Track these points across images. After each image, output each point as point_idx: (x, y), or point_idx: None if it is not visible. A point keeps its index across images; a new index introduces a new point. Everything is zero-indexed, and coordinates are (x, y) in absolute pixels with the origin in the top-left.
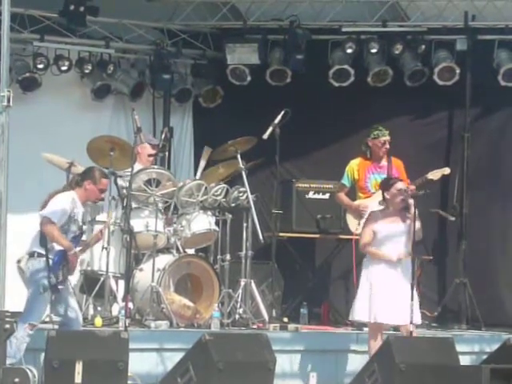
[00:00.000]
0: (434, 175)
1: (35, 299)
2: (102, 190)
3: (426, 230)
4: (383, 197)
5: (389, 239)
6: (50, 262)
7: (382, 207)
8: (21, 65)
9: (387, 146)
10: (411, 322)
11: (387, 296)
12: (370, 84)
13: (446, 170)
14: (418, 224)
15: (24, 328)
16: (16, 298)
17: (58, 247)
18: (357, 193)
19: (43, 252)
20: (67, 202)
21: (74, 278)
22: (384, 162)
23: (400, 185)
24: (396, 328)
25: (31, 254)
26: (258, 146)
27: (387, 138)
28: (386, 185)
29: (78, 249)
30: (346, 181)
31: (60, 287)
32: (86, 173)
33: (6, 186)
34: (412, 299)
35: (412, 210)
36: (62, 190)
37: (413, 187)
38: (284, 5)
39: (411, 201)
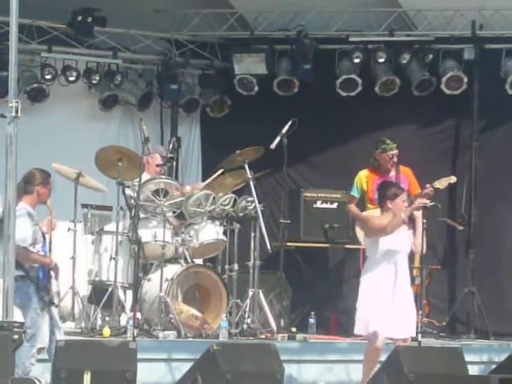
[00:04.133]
0: (441, 184)
1: (36, 323)
2: (50, 190)
3: (434, 240)
4: (385, 204)
5: (392, 249)
6: (37, 281)
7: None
8: (29, 75)
9: (395, 159)
10: (416, 337)
11: (386, 308)
12: (377, 93)
13: (453, 179)
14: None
15: (33, 354)
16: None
17: (35, 265)
18: (365, 204)
19: (24, 273)
20: (25, 219)
21: (83, 288)
22: (392, 173)
23: (405, 196)
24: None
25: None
26: (266, 156)
27: (395, 151)
28: (391, 194)
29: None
30: (355, 192)
31: (54, 301)
32: (31, 178)
33: (14, 196)
34: (412, 311)
35: (418, 222)
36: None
37: (427, 191)
38: (291, 15)
39: (417, 213)
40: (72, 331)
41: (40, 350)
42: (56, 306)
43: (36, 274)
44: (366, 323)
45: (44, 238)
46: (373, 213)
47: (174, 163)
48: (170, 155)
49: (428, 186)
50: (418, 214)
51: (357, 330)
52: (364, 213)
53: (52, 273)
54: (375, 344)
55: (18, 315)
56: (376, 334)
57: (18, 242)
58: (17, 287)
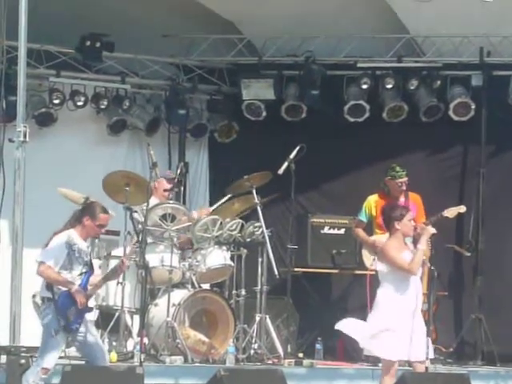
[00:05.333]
0: (450, 213)
1: (47, 343)
2: (102, 226)
3: (441, 266)
4: (393, 226)
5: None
6: (56, 303)
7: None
8: (37, 100)
9: (404, 187)
10: (427, 358)
11: (402, 331)
12: (385, 119)
13: (462, 208)
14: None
15: (37, 372)
16: (30, 332)
17: (63, 288)
18: (374, 229)
19: (51, 296)
20: (61, 242)
21: (90, 313)
22: (402, 199)
23: (411, 215)
24: (410, 364)
25: (42, 300)
26: (274, 181)
27: (404, 179)
28: (397, 215)
29: (94, 283)
30: (363, 217)
31: (73, 327)
32: (85, 208)
33: (22, 220)
34: (427, 334)
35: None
36: (61, 229)
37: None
38: (299, 40)
39: (421, 246)
40: (79, 356)
41: (45, 371)
42: (69, 332)
43: (58, 297)
44: (389, 347)
45: (90, 269)
46: (381, 238)
47: (182, 188)
48: (175, 177)
49: (438, 214)
50: (425, 247)
51: (378, 353)
52: (372, 237)
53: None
54: (390, 370)
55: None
56: (394, 359)
57: (43, 258)
58: (43, 307)
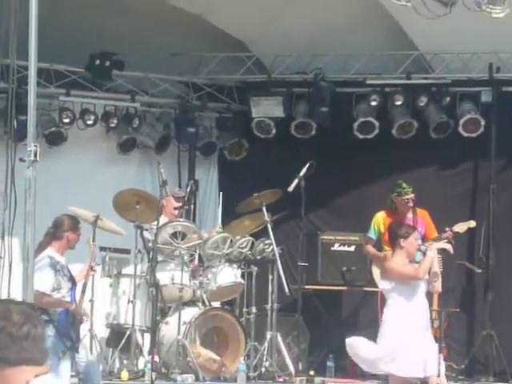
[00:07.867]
0: (460, 228)
1: (56, 367)
2: (79, 235)
3: (452, 282)
4: (398, 243)
5: (415, 288)
6: (57, 325)
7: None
8: (47, 119)
9: (410, 204)
10: (439, 375)
11: (415, 347)
12: (394, 136)
13: (472, 223)
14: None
15: None
16: None
17: (58, 309)
18: (382, 245)
19: (47, 318)
20: (46, 266)
21: (101, 331)
22: (409, 215)
23: (417, 234)
24: (423, 381)
25: None
26: (284, 199)
27: (410, 196)
28: (403, 232)
29: (78, 297)
30: (372, 234)
31: (78, 345)
32: (60, 224)
33: (33, 239)
34: (439, 351)
35: (434, 262)
36: (37, 252)
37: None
38: (308, 58)
39: (430, 253)
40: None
41: None
42: (77, 352)
43: (58, 318)
44: (405, 365)
45: (73, 282)
46: (390, 253)
47: (192, 206)
48: (184, 196)
49: (447, 229)
50: (434, 254)
51: (395, 371)
52: (382, 253)
53: (81, 318)
54: None
55: None
56: (411, 376)
57: (38, 289)
58: None
